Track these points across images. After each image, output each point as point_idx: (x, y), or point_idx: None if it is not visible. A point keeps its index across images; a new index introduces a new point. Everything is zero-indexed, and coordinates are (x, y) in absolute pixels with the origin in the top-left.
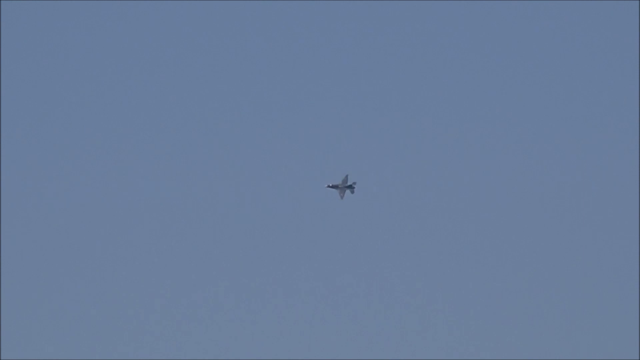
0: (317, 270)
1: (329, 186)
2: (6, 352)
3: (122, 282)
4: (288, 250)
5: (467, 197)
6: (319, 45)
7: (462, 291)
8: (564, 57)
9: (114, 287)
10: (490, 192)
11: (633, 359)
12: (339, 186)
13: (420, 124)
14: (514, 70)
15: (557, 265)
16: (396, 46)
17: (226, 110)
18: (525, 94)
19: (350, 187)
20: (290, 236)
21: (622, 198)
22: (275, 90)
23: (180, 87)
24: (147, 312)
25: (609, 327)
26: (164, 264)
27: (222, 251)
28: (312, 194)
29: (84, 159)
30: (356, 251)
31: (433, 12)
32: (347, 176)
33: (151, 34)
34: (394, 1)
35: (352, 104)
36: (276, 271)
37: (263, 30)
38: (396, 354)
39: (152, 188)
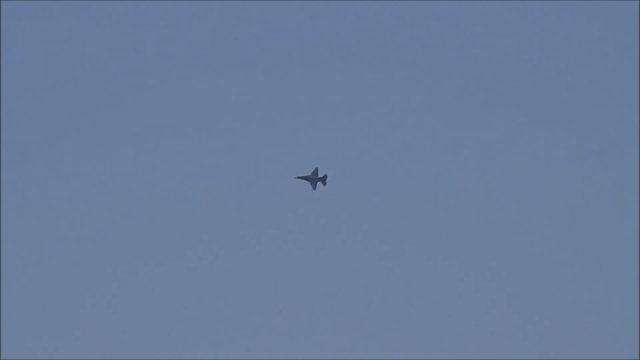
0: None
1: (298, 177)
2: (6, 352)
3: (122, 281)
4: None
5: (460, 196)
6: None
7: (455, 290)
8: (564, 57)
9: (114, 287)
10: (484, 190)
11: (633, 359)
12: (310, 178)
13: (418, 121)
14: (514, 70)
15: (557, 265)
16: (372, 40)
17: (197, 102)
18: (525, 94)
19: (322, 179)
20: (269, 230)
21: (622, 198)
22: (251, 85)
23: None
24: (146, 311)
25: (609, 327)
26: (166, 259)
27: (194, 249)
28: (283, 185)
29: (84, 159)
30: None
31: (433, 12)
32: (317, 168)
33: (151, 34)
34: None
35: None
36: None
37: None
38: (386, 354)
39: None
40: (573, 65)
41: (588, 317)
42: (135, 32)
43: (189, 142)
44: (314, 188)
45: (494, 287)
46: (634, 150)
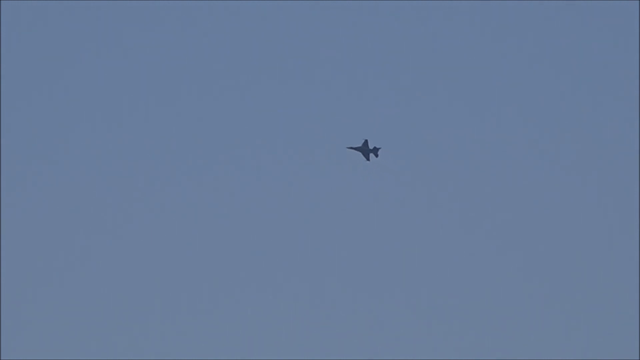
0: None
1: (350, 148)
2: (6, 352)
3: (123, 281)
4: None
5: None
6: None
7: (464, 288)
8: (564, 57)
9: (115, 287)
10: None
11: (633, 359)
12: (361, 149)
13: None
14: (514, 70)
15: (557, 265)
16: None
17: (243, 76)
18: (525, 94)
19: (374, 150)
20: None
21: (622, 198)
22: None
23: (184, 86)
24: (147, 311)
25: (609, 327)
26: (168, 261)
27: (241, 222)
28: (334, 157)
29: (84, 159)
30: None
31: (435, 12)
32: (366, 140)
33: (151, 34)
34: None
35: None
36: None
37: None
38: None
39: (155, 185)
40: (572, 66)
41: (588, 317)
42: (136, 32)
43: (231, 120)
44: (368, 159)
45: (493, 283)
46: (634, 150)
